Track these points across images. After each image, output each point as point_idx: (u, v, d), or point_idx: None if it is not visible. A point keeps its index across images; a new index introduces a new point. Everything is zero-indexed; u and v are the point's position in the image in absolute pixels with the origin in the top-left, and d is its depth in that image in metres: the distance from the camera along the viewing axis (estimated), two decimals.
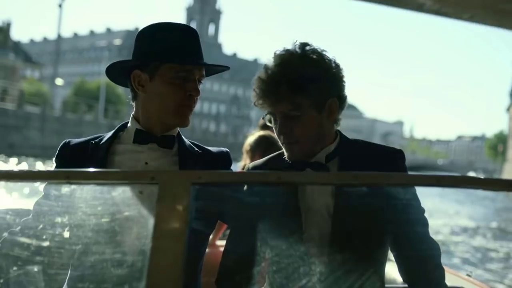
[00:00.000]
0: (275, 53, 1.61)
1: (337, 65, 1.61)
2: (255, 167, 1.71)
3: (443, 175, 1.31)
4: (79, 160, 1.58)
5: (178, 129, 1.68)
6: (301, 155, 1.61)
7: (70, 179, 1.09)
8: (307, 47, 1.59)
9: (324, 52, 1.60)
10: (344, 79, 1.62)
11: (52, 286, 1.44)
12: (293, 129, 1.58)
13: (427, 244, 1.62)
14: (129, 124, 1.66)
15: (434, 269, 1.64)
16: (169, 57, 1.57)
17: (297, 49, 1.59)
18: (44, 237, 1.44)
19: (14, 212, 1.58)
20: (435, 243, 1.64)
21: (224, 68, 1.72)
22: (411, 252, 1.61)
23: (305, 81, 1.56)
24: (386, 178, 1.33)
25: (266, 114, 1.62)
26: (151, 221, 1.14)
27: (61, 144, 1.65)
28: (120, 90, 55.99)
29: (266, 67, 1.59)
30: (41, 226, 1.46)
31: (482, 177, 1.28)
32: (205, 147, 1.73)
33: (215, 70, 1.71)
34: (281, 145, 1.64)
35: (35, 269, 1.41)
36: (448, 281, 2.55)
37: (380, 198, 1.54)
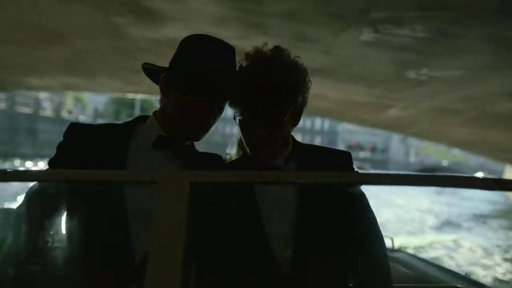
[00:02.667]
0: (251, 54, 1.56)
1: (308, 72, 1.59)
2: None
3: (445, 175, 1.26)
4: (90, 146, 1.48)
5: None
6: (270, 158, 1.57)
7: (70, 179, 1.06)
8: (285, 51, 1.56)
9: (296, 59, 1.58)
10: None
11: (49, 286, 1.40)
12: (271, 133, 1.53)
13: (378, 240, 1.62)
14: (148, 122, 1.59)
15: (384, 262, 1.62)
16: (186, 70, 1.51)
17: (276, 52, 1.55)
18: (43, 236, 1.42)
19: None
20: (383, 239, 1.65)
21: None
22: (365, 247, 1.60)
23: (292, 86, 1.53)
24: (388, 178, 1.29)
25: (239, 116, 1.55)
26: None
27: (69, 126, 1.53)
28: (152, 97, 56.41)
29: (250, 70, 1.53)
30: (40, 225, 1.44)
31: (481, 177, 1.23)
32: (200, 151, 1.66)
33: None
34: (247, 147, 1.57)
35: (34, 268, 1.39)
36: (447, 281, 2.49)
37: (341, 197, 1.54)
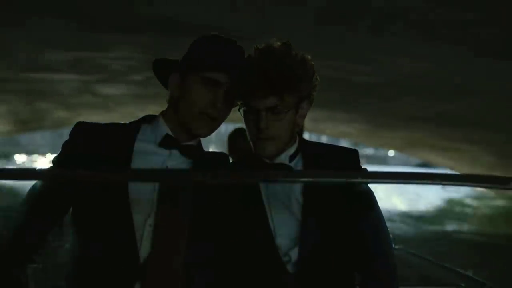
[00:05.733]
0: (260, 48, 1.52)
1: (315, 70, 1.55)
2: None
3: (446, 174, 1.22)
4: (96, 145, 1.43)
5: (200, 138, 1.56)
6: (273, 152, 1.51)
7: (73, 178, 1.02)
8: (294, 48, 1.52)
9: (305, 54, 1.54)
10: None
11: (50, 284, 1.37)
12: (274, 125, 1.48)
13: (384, 239, 1.56)
14: (155, 121, 1.53)
15: (390, 261, 1.55)
16: (198, 67, 1.47)
17: (284, 47, 1.51)
18: (44, 235, 1.38)
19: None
20: (390, 237, 1.58)
21: None
22: (372, 246, 1.53)
23: (296, 79, 1.48)
24: (390, 176, 1.25)
25: (242, 107, 1.51)
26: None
27: (75, 125, 1.48)
28: None
29: (256, 60, 1.50)
30: (42, 223, 1.40)
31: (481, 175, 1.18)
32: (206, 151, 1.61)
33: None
34: (250, 140, 1.52)
35: (36, 267, 1.36)
36: (448, 280, 2.43)
37: (349, 195, 1.49)
